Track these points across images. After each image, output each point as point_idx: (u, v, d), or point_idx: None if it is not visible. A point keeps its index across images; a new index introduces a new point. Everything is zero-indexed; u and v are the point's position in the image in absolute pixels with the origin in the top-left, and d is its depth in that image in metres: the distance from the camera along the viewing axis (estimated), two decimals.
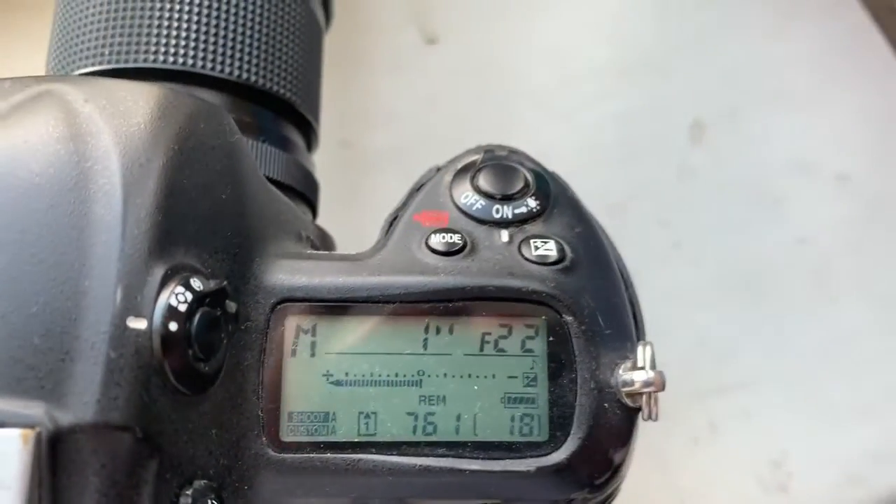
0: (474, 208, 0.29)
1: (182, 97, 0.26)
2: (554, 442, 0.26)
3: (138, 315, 0.21)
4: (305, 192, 0.35)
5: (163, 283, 0.22)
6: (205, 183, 0.24)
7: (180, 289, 0.22)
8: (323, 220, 0.39)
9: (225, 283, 0.24)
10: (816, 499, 0.47)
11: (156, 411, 0.21)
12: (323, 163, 0.41)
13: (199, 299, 0.22)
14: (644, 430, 0.28)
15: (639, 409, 0.27)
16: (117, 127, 0.23)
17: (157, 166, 0.23)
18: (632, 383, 0.26)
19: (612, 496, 0.27)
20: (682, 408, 0.49)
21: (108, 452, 0.20)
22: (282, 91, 0.35)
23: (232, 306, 0.24)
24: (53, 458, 0.20)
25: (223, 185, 0.25)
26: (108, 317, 0.21)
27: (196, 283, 0.22)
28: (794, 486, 0.47)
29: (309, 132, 0.38)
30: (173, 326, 0.21)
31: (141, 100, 0.25)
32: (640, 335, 0.29)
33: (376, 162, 0.54)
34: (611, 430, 0.26)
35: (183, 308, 0.22)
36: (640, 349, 0.27)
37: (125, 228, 0.22)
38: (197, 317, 0.22)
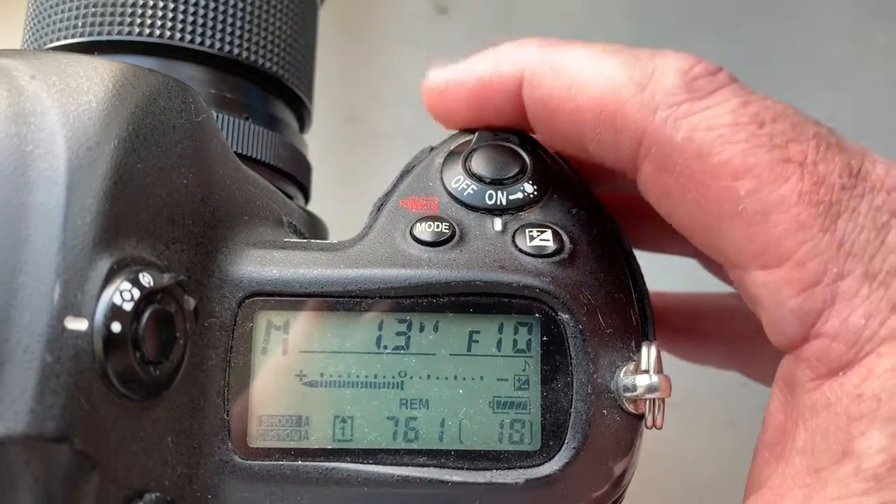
0: (465, 193, 0.26)
1: (143, 73, 0.23)
2: (546, 451, 0.24)
3: (78, 314, 0.19)
4: (295, 175, 0.33)
5: (107, 279, 0.20)
6: (162, 167, 0.22)
7: (126, 285, 0.20)
8: (326, 199, 0.36)
9: (182, 276, 0.22)
10: None
11: (97, 420, 0.19)
12: (328, 138, 0.39)
13: (147, 296, 0.20)
14: None
15: (641, 417, 0.24)
16: (66, 106, 0.21)
17: (108, 149, 0.21)
18: (634, 388, 0.24)
19: None
20: (700, 401, 0.46)
21: (42, 466, 0.18)
22: (269, 65, 0.33)
23: (190, 302, 0.22)
24: None
25: (184, 169, 0.23)
26: (44, 317, 0.19)
27: (145, 279, 0.20)
28: None
29: (301, 110, 0.35)
30: (116, 327, 0.19)
31: (95, 76, 0.22)
32: (647, 333, 0.26)
33: (385, 137, 0.52)
34: (609, 439, 0.24)
35: (128, 306, 0.20)
36: (644, 350, 0.24)
37: (67, 218, 0.20)
38: (145, 316, 0.20)
